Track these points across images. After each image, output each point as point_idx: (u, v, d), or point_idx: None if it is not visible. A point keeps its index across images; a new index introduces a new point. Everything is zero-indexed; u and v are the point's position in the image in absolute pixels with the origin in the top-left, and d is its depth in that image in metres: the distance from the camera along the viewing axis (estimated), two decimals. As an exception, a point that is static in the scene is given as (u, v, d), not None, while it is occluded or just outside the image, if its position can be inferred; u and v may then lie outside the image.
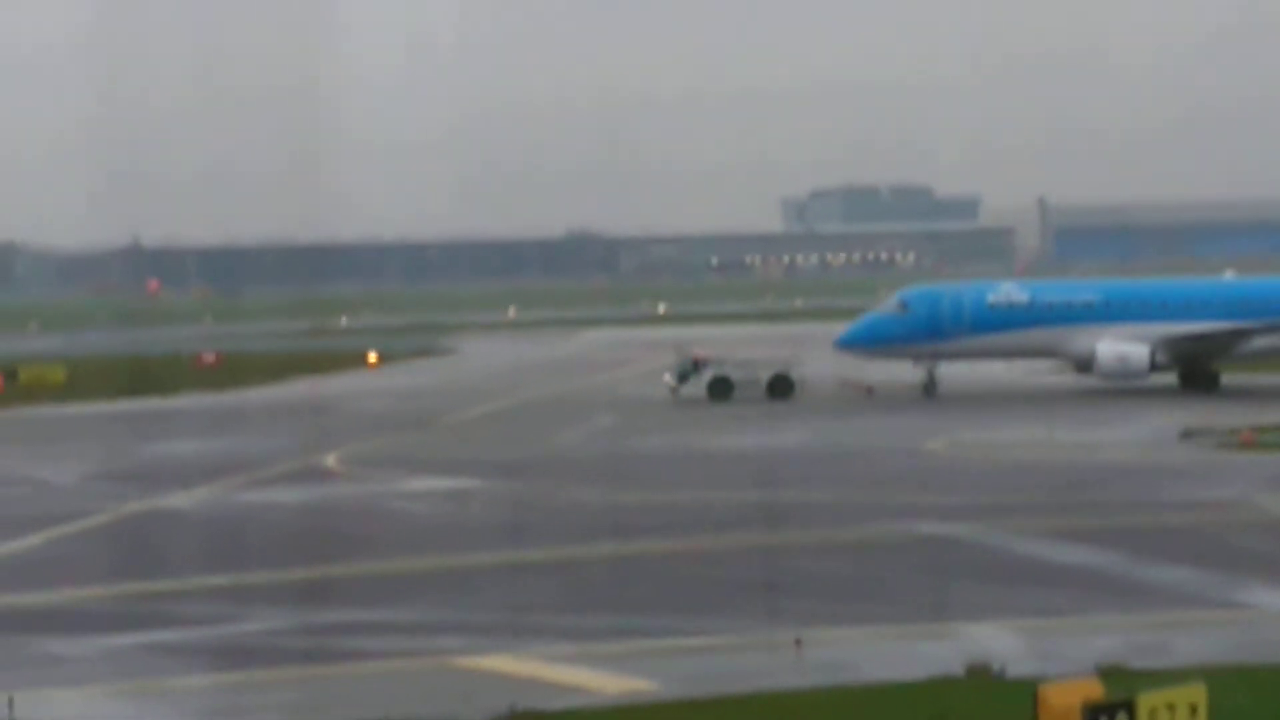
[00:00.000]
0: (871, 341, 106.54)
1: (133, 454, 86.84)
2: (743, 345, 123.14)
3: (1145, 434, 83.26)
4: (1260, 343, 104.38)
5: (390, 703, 37.00)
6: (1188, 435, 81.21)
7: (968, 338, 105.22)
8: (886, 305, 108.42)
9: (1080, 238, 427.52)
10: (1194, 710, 31.27)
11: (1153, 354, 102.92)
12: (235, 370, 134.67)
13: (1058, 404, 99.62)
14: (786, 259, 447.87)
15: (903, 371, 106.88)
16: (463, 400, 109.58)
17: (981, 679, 37.94)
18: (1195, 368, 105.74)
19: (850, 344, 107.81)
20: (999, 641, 41.71)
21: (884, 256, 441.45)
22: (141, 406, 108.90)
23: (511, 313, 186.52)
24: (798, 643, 41.37)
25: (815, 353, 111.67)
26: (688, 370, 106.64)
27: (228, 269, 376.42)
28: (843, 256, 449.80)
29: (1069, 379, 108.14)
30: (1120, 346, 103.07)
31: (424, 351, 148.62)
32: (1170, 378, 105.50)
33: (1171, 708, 31.05)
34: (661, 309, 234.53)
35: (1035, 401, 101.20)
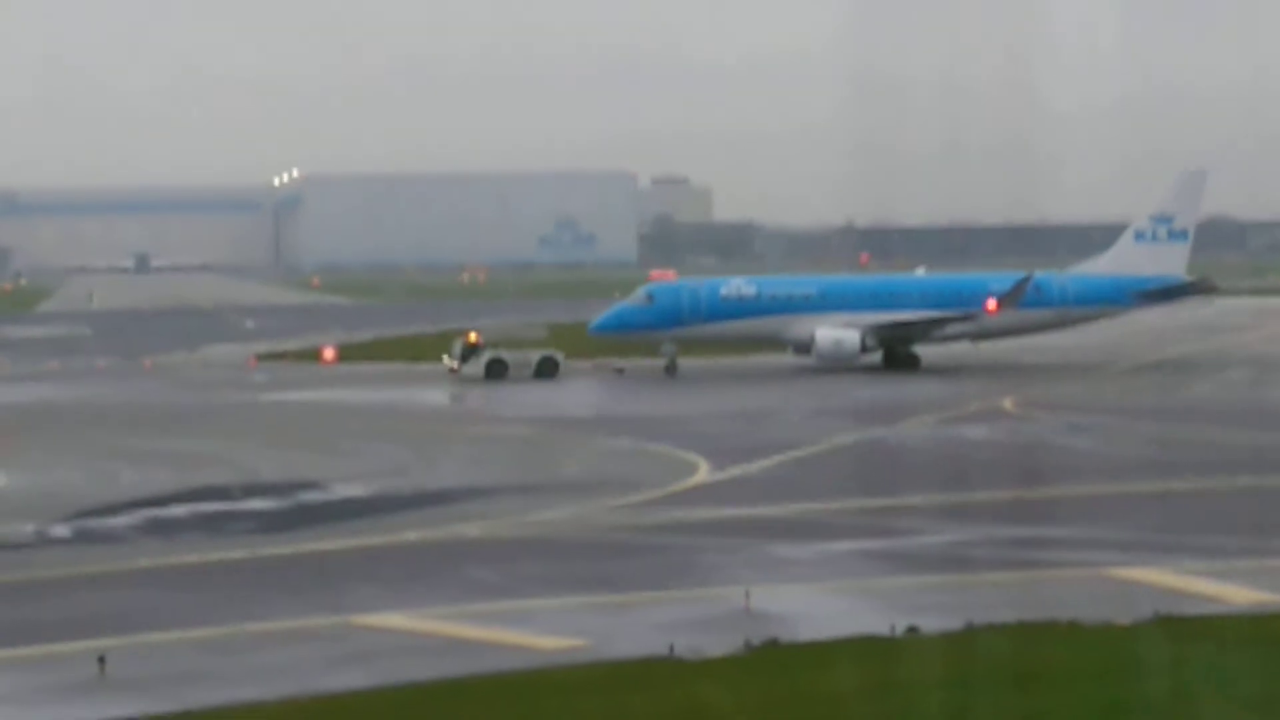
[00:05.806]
0: (621, 329, 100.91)
1: (846, 394, 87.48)
2: None
3: None
4: (952, 329, 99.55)
5: (1054, 606, 36.34)
6: None
7: (704, 325, 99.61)
8: (635, 297, 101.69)
9: None
10: None
11: (863, 338, 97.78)
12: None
13: None
14: None
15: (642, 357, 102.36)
16: (1105, 356, 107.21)
17: None
18: (897, 350, 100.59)
19: (602, 330, 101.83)
20: None
21: None
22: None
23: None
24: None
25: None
26: (467, 353, 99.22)
27: (928, 245, 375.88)
28: None
29: (789, 360, 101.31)
30: (835, 332, 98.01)
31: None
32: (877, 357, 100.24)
33: None
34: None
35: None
